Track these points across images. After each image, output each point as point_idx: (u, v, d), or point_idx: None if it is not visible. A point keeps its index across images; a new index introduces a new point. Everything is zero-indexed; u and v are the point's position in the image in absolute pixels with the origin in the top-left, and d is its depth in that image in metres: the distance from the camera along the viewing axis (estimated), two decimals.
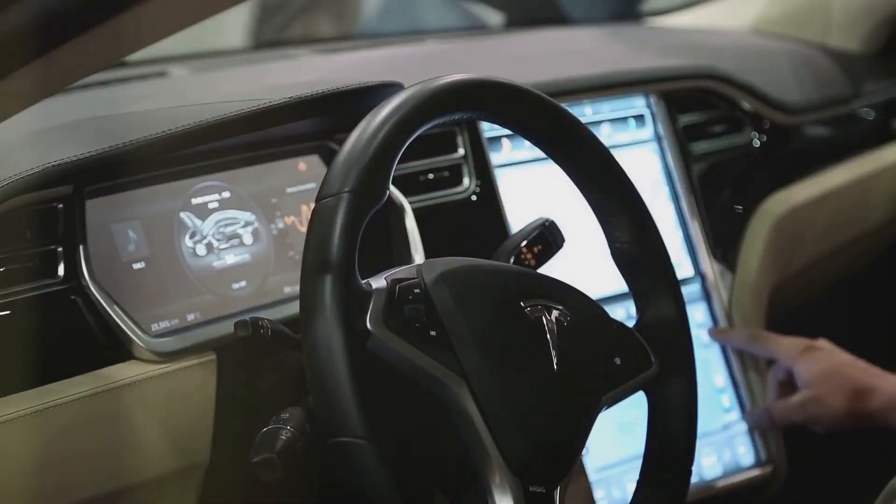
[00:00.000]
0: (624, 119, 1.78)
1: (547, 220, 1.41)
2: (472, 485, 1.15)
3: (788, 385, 1.70)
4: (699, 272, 1.80)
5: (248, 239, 1.37)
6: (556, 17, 2.51)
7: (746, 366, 1.78)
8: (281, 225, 1.40)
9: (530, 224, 1.41)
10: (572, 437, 1.19)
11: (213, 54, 2.27)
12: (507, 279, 1.21)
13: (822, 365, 1.65)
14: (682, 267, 1.79)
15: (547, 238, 1.40)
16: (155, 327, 1.27)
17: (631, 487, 1.31)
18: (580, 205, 1.29)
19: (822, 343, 1.68)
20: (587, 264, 1.60)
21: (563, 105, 1.26)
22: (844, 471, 2.04)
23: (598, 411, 1.21)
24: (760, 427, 1.75)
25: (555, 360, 1.17)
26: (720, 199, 1.85)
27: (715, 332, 1.76)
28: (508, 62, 1.91)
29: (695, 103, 1.87)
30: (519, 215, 1.60)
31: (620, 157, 1.29)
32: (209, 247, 1.34)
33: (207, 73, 2.00)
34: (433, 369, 1.12)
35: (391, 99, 1.15)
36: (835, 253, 2.07)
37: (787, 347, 1.69)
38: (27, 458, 1.17)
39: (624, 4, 2.64)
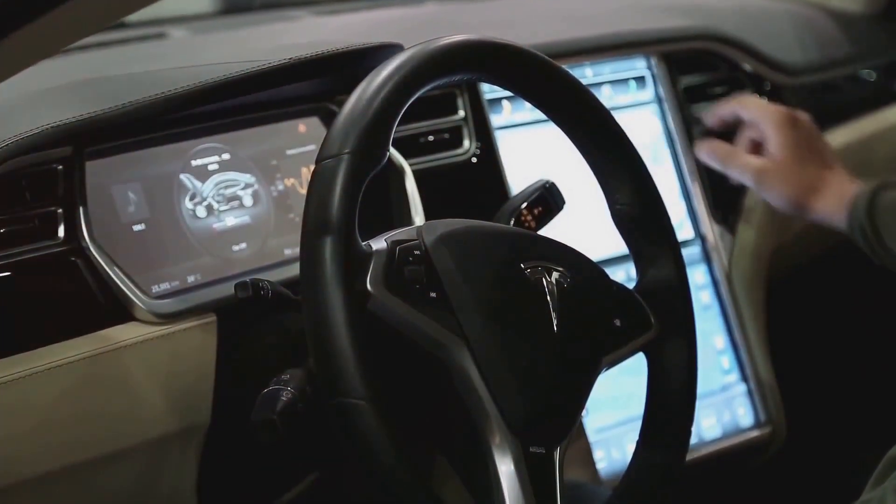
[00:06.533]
0: (625, 81, 1.78)
1: (547, 181, 1.41)
2: (473, 446, 1.15)
3: (759, 146, 1.69)
4: (699, 234, 1.80)
5: (248, 201, 1.37)
6: None
7: (746, 327, 1.78)
8: (281, 187, 1.40)
9: (531, 186, 1.40)
10: (572, 398, 1.19)
11: (212, 15, 2.26)
12: (508, 241, 1.21)
13: (791, 149, 1.64)
14: (683, 229, 1.79)
15: (547, 200, 1.40)
16: (155, 289, 1.27)
17: (630, 448, 1.31)
18: (580, 166, 1.29)
19: (804, 119, 1.67)
20: (587, 226, 1.60)
21: (564, 66, 1.25)
22: (843, 432, 2.04)
23: (598, 373, 1.21)
24: (704, 160, 1.72)
25: (555, 322, 1.17)
26: None
27: (710, 116, 1.74)
28: (509, 23, 1.90)
29: (696, 65, 1.86)
30: (519, 177, 1.60)
31: (621, 118, 1.28)
32: (209, 209, 1.34)
33: (207, 34, 1.99)
34: (433, 331, 1.12)
35: (391, 60, 1.14)
36: None
37: (769, 113, 1.67)
38: (28, 420, 1.17)
39: None
